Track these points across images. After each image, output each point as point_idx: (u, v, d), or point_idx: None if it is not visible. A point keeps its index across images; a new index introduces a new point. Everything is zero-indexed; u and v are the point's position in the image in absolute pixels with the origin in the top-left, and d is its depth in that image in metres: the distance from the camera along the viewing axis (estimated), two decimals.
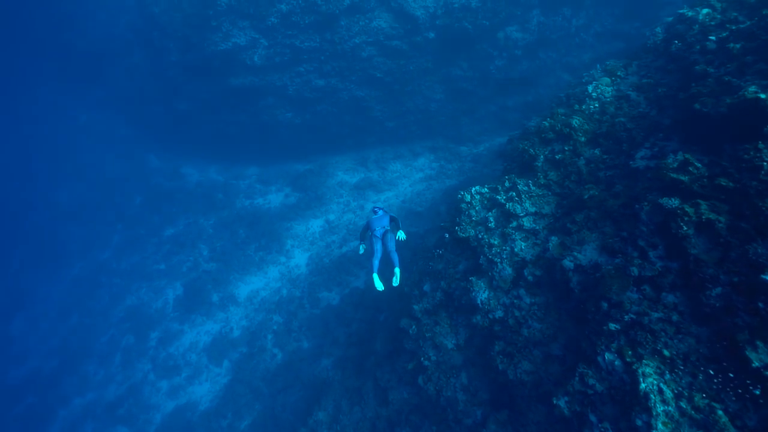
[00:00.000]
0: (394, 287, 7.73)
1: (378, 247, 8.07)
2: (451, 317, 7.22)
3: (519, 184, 6.98)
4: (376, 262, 7.91)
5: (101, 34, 20.14)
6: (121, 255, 19.49)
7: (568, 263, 5.67)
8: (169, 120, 19.36)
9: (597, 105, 7.05)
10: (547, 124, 7.49)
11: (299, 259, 16.49)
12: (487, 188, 7.61)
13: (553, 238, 6.11)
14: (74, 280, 20.15)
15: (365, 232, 8.51)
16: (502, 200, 7.02)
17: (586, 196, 6.09)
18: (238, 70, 16.01)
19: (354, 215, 17.33)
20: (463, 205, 7.56)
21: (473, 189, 7.65)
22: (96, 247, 20.55)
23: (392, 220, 8.47)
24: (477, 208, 7.33)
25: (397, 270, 7.70)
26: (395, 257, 7.90)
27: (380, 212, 8.73)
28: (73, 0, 20.73)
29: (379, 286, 7.61)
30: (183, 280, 17.28)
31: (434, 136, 19.16)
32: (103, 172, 21.98)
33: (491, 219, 6.99)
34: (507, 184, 7.25)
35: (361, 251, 8.54)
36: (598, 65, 9.87)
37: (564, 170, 6.74)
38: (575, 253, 5.67)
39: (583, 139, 6.65)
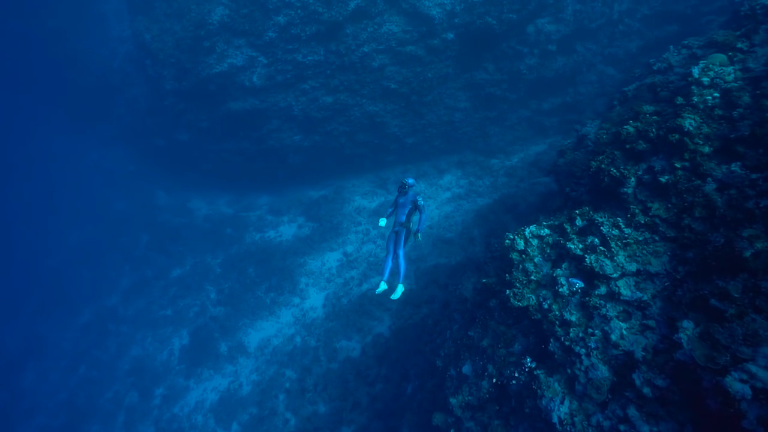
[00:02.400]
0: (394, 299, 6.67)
1: (392, 243, 6.99)
2: (506, 424, 4.89)
3: (600, 222, 4.65)
4: (387, 264, 6.92)
5: (102, 69, 19.44)
6: (128, 299, 18.14)
7: (737, 385, 3.28)
8: (173, 153, 18.13)
9: (717, 95, 4.71)
10: (632, 129, 5.16)
11: (314, 300, 14.47)
12: (548, 228, 5.27)
13: (685, 322, 3.71)
14: (83, 328, 18.94)
15: (389, 209, 7.25)
16: (577, 249, 4.70)
17: (747, 253, 3.66)
18: (236, 93, 14.49)
19: (374, 246, 15.22)
20: (515, 256, 5.23)
21: (527, 230, 5.32)
22: (104, 291, 19.35)
23: (415, 208, 6.97)
24: (537, 259, 5.04)
25: (400, 287, 6.74)
26: (402, 266, 6.84)
27: (410, 192, 7.08)
28: (75, 38, 20.26)
29: (382, 287, 6.66)
30: (189, 327, 15.60)
31: (460, 149, 16.96)
32: (112, 210, 21.04)
33: (561, 279, 4.67)
34: (580, 222, 4.93)
35: (382, 223, 7.04)
36: (689, 41, 7.44)
37: (679, 200, 4.41)
38: (748, 365, 3.28)
39: (706, 149, 4.30)
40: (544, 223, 5.37)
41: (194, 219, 19.08)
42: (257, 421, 12.29)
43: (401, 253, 6.89)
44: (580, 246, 4.69)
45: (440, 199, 16.13)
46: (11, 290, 22.65)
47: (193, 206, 19.87)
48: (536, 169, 15.66)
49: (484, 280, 5.82)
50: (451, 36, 13.66)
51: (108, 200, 21.54)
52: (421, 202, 7.01)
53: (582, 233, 4.88)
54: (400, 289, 6.74)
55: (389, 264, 6.91)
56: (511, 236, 5.41)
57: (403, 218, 7.04)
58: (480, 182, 16.17)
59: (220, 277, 16.38)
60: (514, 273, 5.07)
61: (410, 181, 7.26)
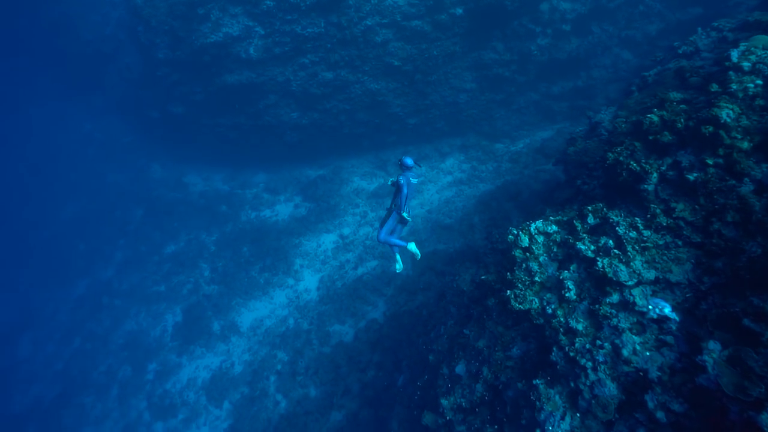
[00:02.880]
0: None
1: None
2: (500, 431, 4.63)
3: (616, 222, 4.22)
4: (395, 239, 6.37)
5: (94, 35, 18.61)
6: (122, 274, 17.97)
7: None
8: (167, 126, 17.56)
9: (759, 83, 4.16)
10: (656, 118, 4.66)
11: (309, 282, 14.24)
12: (555, 224, 4.82)
13: (711, 343, 3.33)
14: (78, 300, 18.86)
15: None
16: (588, 250, 4.29)
17: None
18: (232, 65, 13.82)
19: (371, 228, 14.87)
20: (518, 253, 4.82)
21: (533, 226, 4.88)
22: (99, 265, 19.17)
23: (397, 191, 6.23)
24: (542, 259, 4.63)
25: (412, 244, 6.18)
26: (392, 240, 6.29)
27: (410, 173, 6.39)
28: (65, 2, 19.30)
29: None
30: (183, 304, 15.45)
31: (464, 132, 16.37)
32: (106, 183, 20.63)
33: (569, 282, 4.28)
34: (592, 219, 4.50)
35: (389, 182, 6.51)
36: (720, 23, 6.86)
37: (708, 202, 3.94)
38: None
39: (745, 144, 3.82)
40: (552, 218, 4.95)
41: (189, 195, 18.68)
42: (248, 401, 12.25)
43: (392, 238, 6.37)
44: (592, 247, 4.27)
45: (441, 183, 15.67)
46: (7, 261, 22.53)
47: (188, 181, 19.44)
48: (542, 156, 15.14)
49: (483, 277, 5.45)
50: (459, 11, 12.88)
51: (102, 173, 21.10)
52: (402, 180, 6.24)
53: (594, 232, 4.46)
54: (412, 246, 6.21)
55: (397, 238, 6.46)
56: (515, 231, 4.99)
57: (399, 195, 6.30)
58: (483, 167, 15.67)
59: (215, 255, 16.13)
60: (517, 272, 4.69)
61: (407, 160, 6.53)
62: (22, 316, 20.60)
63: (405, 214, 6.17)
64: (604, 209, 4.46)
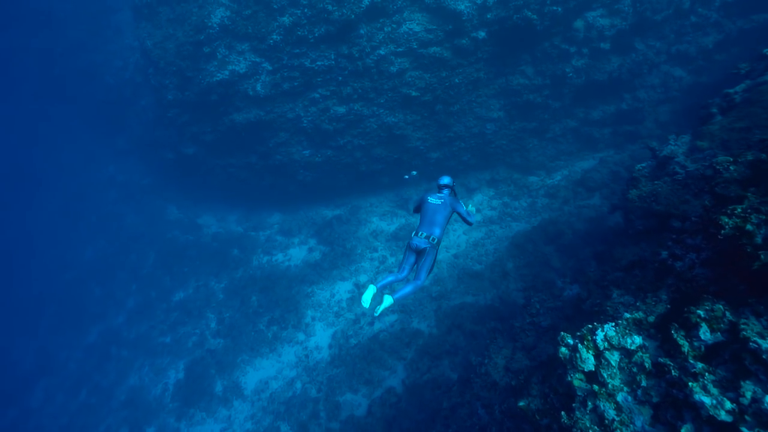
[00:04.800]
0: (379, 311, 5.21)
1: (409, 262, 5.52)
2: None
3: (757, 346, 2.39)
4: (389, 279, 5.52)
5: (116, 80, 18.88)
6: (132, 321, 17.13)
7: None
8: (182, 166, 17.06)
9: None
10: None
11: (320, 338, 12.66)
12: (638, 333, 2.95)
13: None
14: (89, 348, 18.14)
15: (416, 210, 5.87)
16: (717, 408, 2.28)
17: None
18: (240, 103, 13.08)
19: (393, 277, 13.22)
20: (577, 381, 2.93)
21: (600, 334, 2.97)
22: (112, 310, 18.52)
23: (451, 213, 5.58)
24: (621, 397, 2.77)
25: (388, 298, 5.24)
26: (408, 290, 5.32)
27: (445, 193, 5.76)
28: (93, 50, 19.92)
29: (367, 301, 5.25)
30: (187, 359, 14.20)
31: (493, 165, 14.75)
32: (124, 225, 20.37)
33: None
34: (708, 334, 2.67)
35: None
36: None
37: None
38: None
39: None
40: (628, 315, 3.17)
41: (202, 237, 17.89)
42: None
43: (418, 284, 5.39)
44: (727, 404, 2.39)
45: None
46: (30, 304, 22.52)
47: (202, 222, 18.73)
48: (584, 189, 13.24)
49: (521, 404, 3.68)
50: (482, 35, 11.60)
51: (121, 214, 20.91)
52: (463, 208, 5.61)
53: (714, 355, 2.66)
54: (387, 301, 5.24)
55: (391, 280, 5.55)
56: (570, 341, 3.22)
57: (437, 230, 5.46)
58: (516, 203, 13.89)
59: (222, 305, 14.94)
60: (579, 418, 2.90)
61: (446, 180, 5.86)
62: (38, 362, 20.19)
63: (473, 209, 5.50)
64: (727, 313, 2.68)
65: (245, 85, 12.67)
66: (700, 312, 2.69)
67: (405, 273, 5.53)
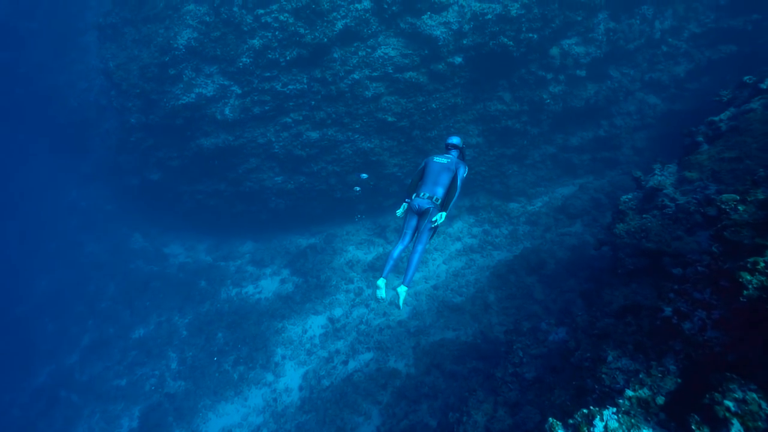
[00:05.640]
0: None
1: (410, 226, 5.30)
2: None
3: None
4: (393, 255, 5.25)
5: (80, 102, 18.04)
6: (86, 361, 15.63)
7: None
8: (147, 193, 16.11)
9: None
10: None
11: (291, 378, 11.65)
12: (643, 418, 2.31)
13: None
14: (36, 392, 16.38)
15: (414, 184, 5.46)
16: None
17: None
18: (207, 127, 12.43)
19: (367, 310, 12.47)
20: None
21: (599, 425, 2.24)
22: (65, 348, 16.93)
23: (451, 185, 5.30)
24: None
25: (403, 289, 5.04)
26: (414, 263, 5.12)
27: (453, 154, 5.65)
28: (57, 72, 19.10)
29: (381, 296, 5.07)
30: (143, 404, 12.88)
31: (473, 191, 14.37)
32: (83, 254, 19.04)
33: None
34: (739, 426, 2.13)
35: (399, 213, 5.40)
36: None
37: None
38: None
39: None
40: (630, 393, 2.58)
41: (168, 267, 16.76)
42: None
43: (422, 241, 5.18)
44: None
45: (449, 251, 13.42)
46: None
47: (169, 252, 17.62)
48: (564, 216, 12.95)
49: None
50: (459, 60, 11.39)
51: (81, 242, 19.57)
52: (463, 173, 5.44)
53: None
54: (403, 292, 5.01)
55: (396, 255, 5.25)
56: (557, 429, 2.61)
57: (440, 190, 5.19)
58: (497, 231, 13.46)
59: (185, 342, 13.77)
60: None
61: (456, 139, 5.73)
62: None
63: (442, 214, 5.04)
64: (762, 404, 2.11)
65: (213, 108, 12.06)
66: (729, 404, 2.12)
67: (407, 240, 5.26)
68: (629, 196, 5.49)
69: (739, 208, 3.19)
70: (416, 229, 5.26)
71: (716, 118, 5.42)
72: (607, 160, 13.50)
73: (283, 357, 12.19)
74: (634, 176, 6.03)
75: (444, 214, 5.10)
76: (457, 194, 5.34)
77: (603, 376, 3.35)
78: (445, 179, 5.22)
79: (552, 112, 12.73)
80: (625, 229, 4.94)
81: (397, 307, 5.13)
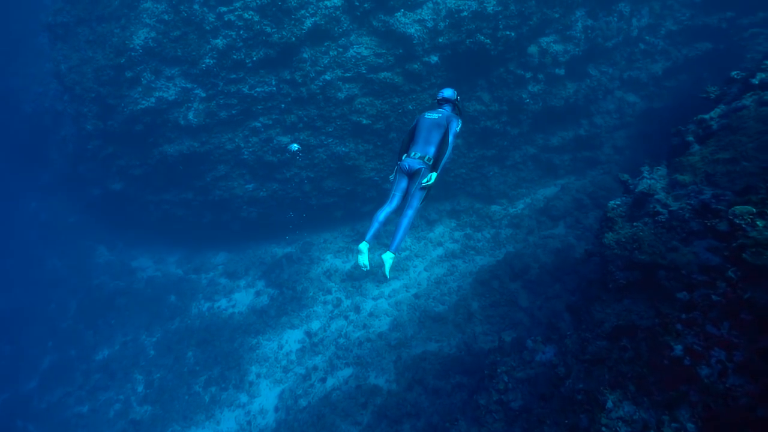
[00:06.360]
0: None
1: (400, 188, 4.97)
2: None
3: None
4: (379, 218, 4.90)
5: (35, 109, 16.90)
6: (45, 387, 14.49)
7: None
8: (111, 203, 15.11)
9: None
10: None
11: (266, 399, 10.95)
12: None
13: None
14: None
15: (405, 144, 5.20)
16: None
17: None
18: (170, 133, 11.64)
19: (346, 322, 11.87)
20: None
21: None
22: (24, 372, 15.70)
23: (442, 141, 4.90)
24: None
25: (389, 256, 4.72)
26: (403, 225, 4.72)
27: (447, 109, 5.28)
28: (10, 76, 17.87)
29: (364, 262, 4.70)
30: None
31: (454, 194, 13.95)
32: (44, 270, 17.83)
33: None
34: None
35: (392, 177, 5.14)
36: None
37: None
38: None
39: None
40: None
41: (135, 282, 15.77)
42: None
43: (411, 212, 4.82)
44: None
45: (430, 257, 12.94)
46: None
47: (137, 266, 16.61)
48: (547, 218, 12.65)
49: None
50: (435, 59, 10.94)
51: (42, 258, 18.33)
52: (456, 127, 5.06)
53: None
54: (389, 260, 4.73)
55: (381, 218, 4.93)
56: None
57: (432, 149, 4.85)
58: (479, 235, 13.06)
59: (153, 363, 12.88)
60: None
61: (448, 92, 5.42)
62: None
63: (433, 175, 4.76)
64: None
65: (175, 113, 11.27)
66: None
67: (396, 202, 4.96)
68: (617, 202, 5.09)
69: (758, 223, 2.77)
70: (406, 192, 4.92)
71: (706, 116, 5.08)
72: (588, 159, 13.28)
73: (258, 375, 11.47)
74: (621, 179, 5.65)
75: (434, 174, 4.76)
76: (448, 151, 4.93)
77: (603, 429, 2.88)
78: (436, 137, 4.87)
79: (532, 112, 12.41)
80: (615, 239, 4.52)
81: (384, 276, 4.78)
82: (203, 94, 11.12)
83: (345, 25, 10.60)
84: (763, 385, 2.12)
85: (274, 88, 10.99)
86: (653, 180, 4.97)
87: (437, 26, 10.63)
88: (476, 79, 11.83)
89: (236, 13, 10.22)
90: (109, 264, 16.98)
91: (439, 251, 13.03)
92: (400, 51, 10.85)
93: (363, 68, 10.95)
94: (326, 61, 10.72)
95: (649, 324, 3.64)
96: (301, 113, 11.36)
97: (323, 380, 10.60)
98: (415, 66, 10.94)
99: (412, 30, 10.56)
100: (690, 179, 4.40)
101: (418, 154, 4.84)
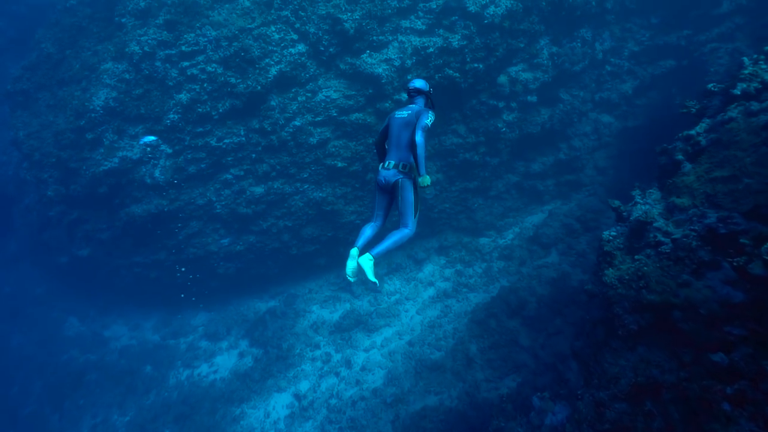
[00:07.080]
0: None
1: (381, 206, 4.55)
2: None
3: None
4: (366, 233, 4.48)
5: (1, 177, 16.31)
6: None
7: None
8: (79, 271, 14.20)
9: None
10: None
11: None
12: None
13: None
14: None
15: (380, 148, 4.69)
16: None
17: None
18: (137, 193, 11.06)
19: (337, 379, 10.91)
20: None
21: None
22: None
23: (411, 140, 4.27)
24: None
25: (366, 258, 4.14)
26: (393, 239, 4.21)
27: (419, 102, 4.84)
28: None
29: (351, 270, 4.17)
30: None
31: (439, 230, 13.46)
32: (8, 348, 16.49)
33: None
34: None
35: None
36: None
37: None
38: None
39: None
40: None
41: (107, 354, 14.56)
42: None
43: (406, 231, 4.38)
44: None
45: (422, 299, 12.23)
46: None
47: (110, 335, 15.43)
48: (538, 247, 12.20)
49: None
50: (405, 97, 10.73)
51: (6, 335, 16.98)
52: (425, 119, 4.36)
53: None
54: (367, 264, 4.14)
55: (369, 233, 4.58)
56: None
57: (405, 153, 4.33)
58: (470, 270, 12.47)
59: None
60: None
61: (419, 83, 4.97)
62: None
63: (426, 178, 4.23)
64: None
65: (141, 171, 10.76)
66: None
67: (380, 222, 4.55)
68: (613, 233, 4.61)
69: None
70: (389, 208, 4.48)
71: (693, 132, 4.76)
72: (572, 183, 13.05)
73: None
74: (612, 206, 5.20)
75: (428, 178, 4.21)
76: (419, 148, 4.27)
77: None
78: (407, 137, 4.34)
79: (509, 141, 12.24)
80: (617, 276, 3.99)
81: (373, 284, 4.22)
82: (169, 150, 10.68)
83: (312, 70, 10.45)
84: None
85: (243, 138, 10.62)
86: (648, 205, 4.52)
87: (404, 64, 10.55)
88: (450, 112, 11.69)
89: (199, 66, 10.01)
90: (80, 336, 15.75)
91: (431, 291, 12.36)
92: (370, 91, 10.69)
93: (333, 111, 10.71)
94: (295, 107, 10.46)
95: (673, 380, 3.05)
96: (273, 161, 10.96)
97: None
98: (387, 104, 10.76)
99: (380, 70, 10.45)
100: (689, 202, 3.98)
101: (392, 162, 4.37)
